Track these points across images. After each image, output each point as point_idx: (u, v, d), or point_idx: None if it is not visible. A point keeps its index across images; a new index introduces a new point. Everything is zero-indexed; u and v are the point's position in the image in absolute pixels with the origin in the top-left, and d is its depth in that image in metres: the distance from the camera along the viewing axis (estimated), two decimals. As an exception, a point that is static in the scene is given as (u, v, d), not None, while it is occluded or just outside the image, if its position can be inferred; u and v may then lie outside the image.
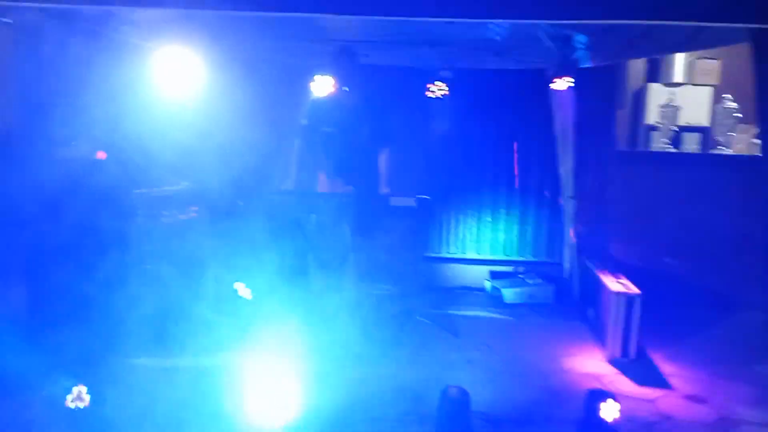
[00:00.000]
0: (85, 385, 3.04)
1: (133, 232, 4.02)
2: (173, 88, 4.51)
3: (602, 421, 3.06)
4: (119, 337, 3.90)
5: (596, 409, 3.07)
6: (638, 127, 6.21)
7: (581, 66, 4.90)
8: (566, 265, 5.59)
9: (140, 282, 4.02)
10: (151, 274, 4.13)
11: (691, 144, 6.07)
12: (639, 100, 6.22)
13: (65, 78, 3.72)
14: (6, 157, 3.69)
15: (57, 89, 3.73)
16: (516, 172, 5.96)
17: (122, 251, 3.99)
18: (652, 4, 2.64)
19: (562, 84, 4.89)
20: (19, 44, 3.66)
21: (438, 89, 5.20)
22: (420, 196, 4.27)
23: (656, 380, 4.10)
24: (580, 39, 4.57)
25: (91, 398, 3.06)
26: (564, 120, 5.28)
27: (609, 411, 3.06)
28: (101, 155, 4.10)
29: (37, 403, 3.33)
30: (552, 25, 4.11)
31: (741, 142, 5.85)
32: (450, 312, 5.25)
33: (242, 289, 4.86)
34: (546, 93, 5.35)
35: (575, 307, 5.41)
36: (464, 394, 3.11)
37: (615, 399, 3.12)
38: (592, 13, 2.77)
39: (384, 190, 4.53)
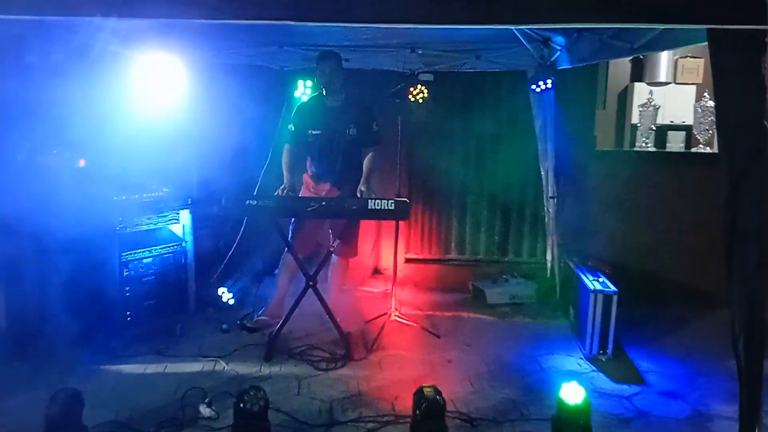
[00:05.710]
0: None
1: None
2: (155, 95, 4.58)
3: (574, 415, 3.09)
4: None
5: (567, 403, 3.10)
6: (624, 127, 6.26)
7: (560, 67, 4.96)
8: (548, 264, 5.64)
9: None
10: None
11: (676, 142, 6.10)
12: (624, 99, 6.27)
13: (46, 87, 3.76)
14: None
15: (38, 99, 3.77)
16: (497, 172, 6.00)
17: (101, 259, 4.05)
18: (623, 6, 2.69)
19: (542, 85, 4.97)
20: (-1, 55, 3.72)
21: (419, 92, 5.23)
22: (398, 199, 4.30)
23: (633, 377, 4.15)
24: (558, 41, 4.64)
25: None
26: (545, 121, 5.33)
27: (572, 393, 3.10)
28: (81, 163, 4.15)
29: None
30: (530, 28, 4.20)
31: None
32: (432, 313, 5.29)
33: (225, 294, 4.93)
34: (526, 94, 5.41)
35: (557, 305, 5.46)
36: (438, 394, 3.15)
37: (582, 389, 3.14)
38: (565, 16, 2.81)
39: (363, 192, 4.54)
